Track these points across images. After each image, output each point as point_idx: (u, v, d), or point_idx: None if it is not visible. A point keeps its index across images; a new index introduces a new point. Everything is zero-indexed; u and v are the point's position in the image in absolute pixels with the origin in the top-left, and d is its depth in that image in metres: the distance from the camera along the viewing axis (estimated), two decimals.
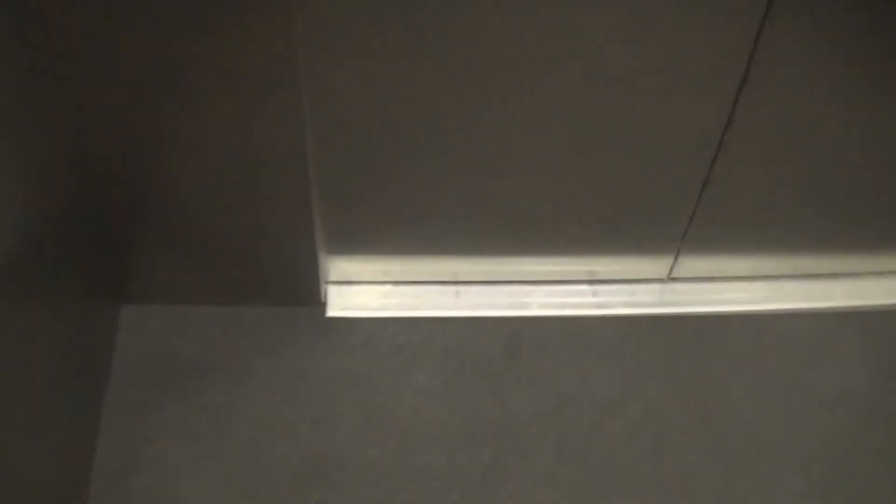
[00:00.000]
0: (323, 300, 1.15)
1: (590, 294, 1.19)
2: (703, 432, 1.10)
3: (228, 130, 0.93)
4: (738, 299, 1.21)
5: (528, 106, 0.97)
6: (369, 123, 0.97)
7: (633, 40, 0.91)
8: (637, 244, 1.17)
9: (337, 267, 1.16)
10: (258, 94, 0.89)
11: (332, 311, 1.14)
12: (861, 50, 0.95)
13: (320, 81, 0.92)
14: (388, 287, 1.18)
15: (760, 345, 1.17)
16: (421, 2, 0.86)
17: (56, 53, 0.85)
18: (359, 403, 1.08)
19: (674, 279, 1.21)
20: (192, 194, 1.01)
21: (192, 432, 1.06)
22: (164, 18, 0.82)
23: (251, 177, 0.99)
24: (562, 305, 1.19)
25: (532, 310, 1.18)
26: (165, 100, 0.90)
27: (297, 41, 0.84)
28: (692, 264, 1.20)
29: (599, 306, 1.19)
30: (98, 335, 1.11)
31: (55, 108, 0.90)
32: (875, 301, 1.22)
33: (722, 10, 0.89)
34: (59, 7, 0.80)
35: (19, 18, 0.81)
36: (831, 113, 1.01)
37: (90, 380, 1.07)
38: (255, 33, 0.83)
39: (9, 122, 0.84)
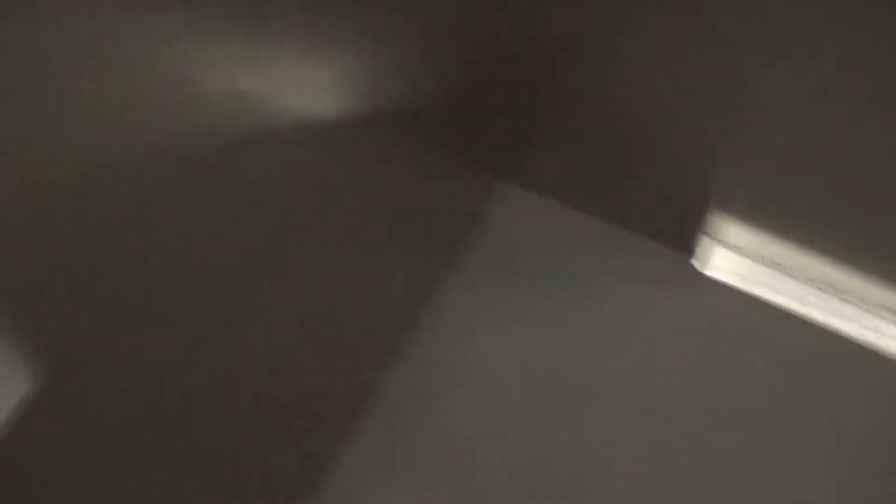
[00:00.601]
0: (699, 254, 1.11)
1: None
2: None
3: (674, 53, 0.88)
4: None
5: None
6: None
7: None
8: None
9: (727, 228, 1.10)
10: None
11: (705, 268, 1.10)
12: None
13: None
14: (761, 264, 1.12)
15: None
16: None
17: None
18: (687, 363, 1.04)
19: None
20: (629, 94, 0.98)
21: (513, 323, 1.05)
22: None
23: (682, 94, 0.94)
24: None
25: None
26: None
27: None
28: None
29: None
30: (465, 199, 1.12)
31: None
32: None
33: None
34: None
35: None
36: None
37: (443, 236, 1.10)
38: None
39: None
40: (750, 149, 0.98)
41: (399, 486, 0.97)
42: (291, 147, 0.66)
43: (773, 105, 0.92)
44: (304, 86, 0.65)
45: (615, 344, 1.05)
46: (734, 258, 1.11)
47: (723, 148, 0.96)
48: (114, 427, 0.60)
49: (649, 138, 1.01)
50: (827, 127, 0.91)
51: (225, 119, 0.57)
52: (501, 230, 1.11)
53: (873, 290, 1.10)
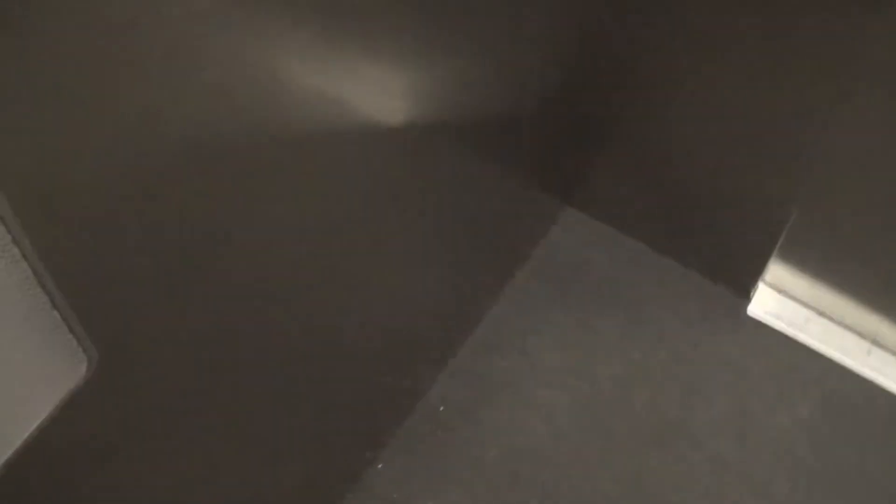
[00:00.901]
0: (751, 294, 1.11)
1: None
2: None
3: (759, 91, 0.89)
4: None
5: None
6: None
7: None
8: None
9: (775, 270, 1.11)
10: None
11: (753, 310, 1.10)
12: None
13: None
14: (812, 313, 1.12)
15: None
16: None
17: None
18: (726, 400, 1.05)
19: None
20: (684, 131, 0.99)
21: (565, 344, 1.06)
22: None
23: (752, 142, 0.95)
24: None
25: None
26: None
27: None
28: None
29: None
30: (531, 221, 1.13)
31: None
32: None
33: None
34: None
35: None
36: None
37: (506, 257, 1.11)
38: None
39: None
40: (822, 200, 0.98)
41: (430, 496, 0.98)
42: (365, 150, 0.67)
43: (853, 159, 0.92)
44: (383, 92, 0.66)
45: (664, 378, 1.06)
46: (787, 304, 1.11)
47: (793, 197, 0.97)
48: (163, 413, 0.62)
49: (718, 180, 1.01)
50: None
51: (301, 118, 0.58)
52: (563, 253, 1.12)
53: None
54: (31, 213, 0.40)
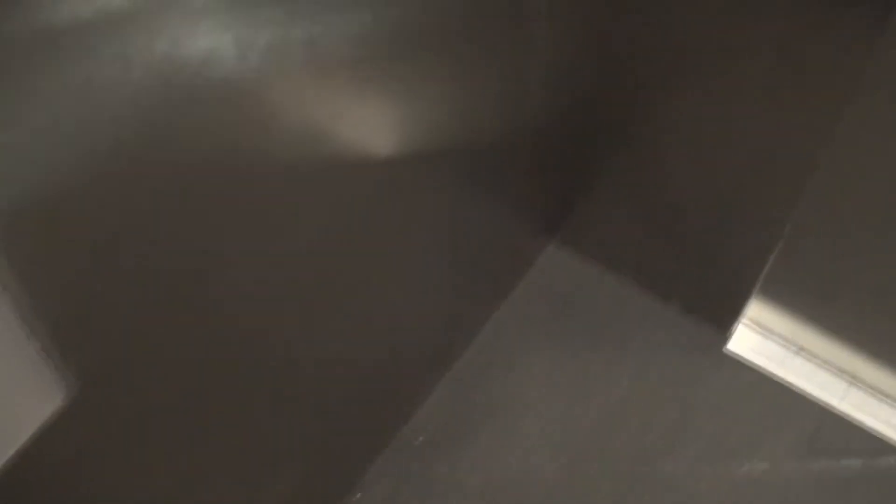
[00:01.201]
0: (731, 331, 1.12)
1: None
2: None
3: (751, 121, 0.90)
4: None
5: None
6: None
7: None
8: None
9: (756, 307, 1.12)
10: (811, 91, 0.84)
11: (733, 346, 1.11)
12: None
13: None
14: (790, 351, 1.13)
15: None
16: None
17: None
18: (705, 437, 1.06)
19: None
20: (676, 169, 1.00)
21: (547, 379, 1.06)
22: None
23: (741, 182, 0.96)
24: None
25: None
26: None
27: None
28: None
29: None
30: (515, 255, 1.13)
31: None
32: None
33: None
34: None
35: None
36: None
37: (490, 291, 1.11)
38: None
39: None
40: (803, 239, 0.99)
41: None
42: (348, 182, 0.67)
43: (836, 199, 0.93)
44: (370, 122, 0.66)
45: (645, 415, 1.06)
46: (768, 341, 1.12)
47: (775, 236, 0.98)
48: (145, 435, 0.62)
49: (701, 218, 1.02)
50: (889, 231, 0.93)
51: (291, 150, 0.59)
52: (546, 288, 1.12)
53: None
54: (9, 238, 0.40)
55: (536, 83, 0.90)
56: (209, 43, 0.47)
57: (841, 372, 1.12)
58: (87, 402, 0.51)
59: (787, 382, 1.11)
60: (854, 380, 1.12)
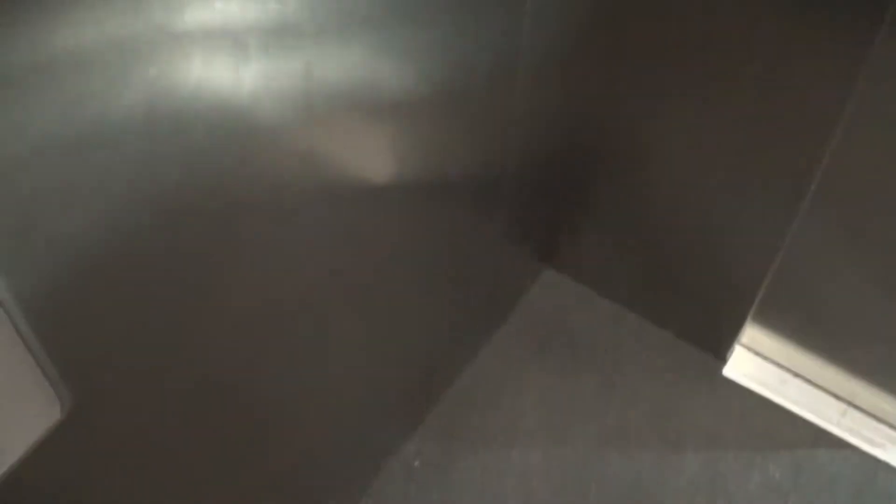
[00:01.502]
0: (727, 356, 1.13)
1: None
2: None
3: (741, 147, 0.92)
4: None
5: None
6: None
7: None
8: None
9: (751, 332, 1.12)
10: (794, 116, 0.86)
11: (729, 371, 1.12)
12: None
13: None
14: (787, 374, 1.14)
15: None
16: None
17: None
18: (700, 462, 1.06)
19: None
20: (667, 197, 1.01)
21: (541, 404, 1.07)
22: None
23: (730, 208, 0.97)
24: None
25: None
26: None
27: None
28: None
29: None
30: (511, 281, 1.15)
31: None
32: None
33: None
34: None
35: None
36: None
37: (485, 318, 1.12)
38: None
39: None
40: (798, 263, 0.99)
41: None
42: (345, 211, 0.68)
43: (829, 223, 0.94)
44: (363, 153, 0.67)
45: (638, 440, 1.06)
46: (763, 366, 1.12)
47: (769, 260, 0.98)
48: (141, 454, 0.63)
49: (695, 244, 1.03)
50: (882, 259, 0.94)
51: (282, 180, 0.59)
52: (541, 313, 1.13)
53: (891, 409, 1.12)
54: (8, 259, 0.41)
55: (529, 120, 0.91)
56: (202, 70, 0.48)
57: (837, 396, 1.13)
58: (81, 419, 0.52)
59: (784, 406, 1.11)
60: (850, 404, 1.13)
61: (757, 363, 1.13)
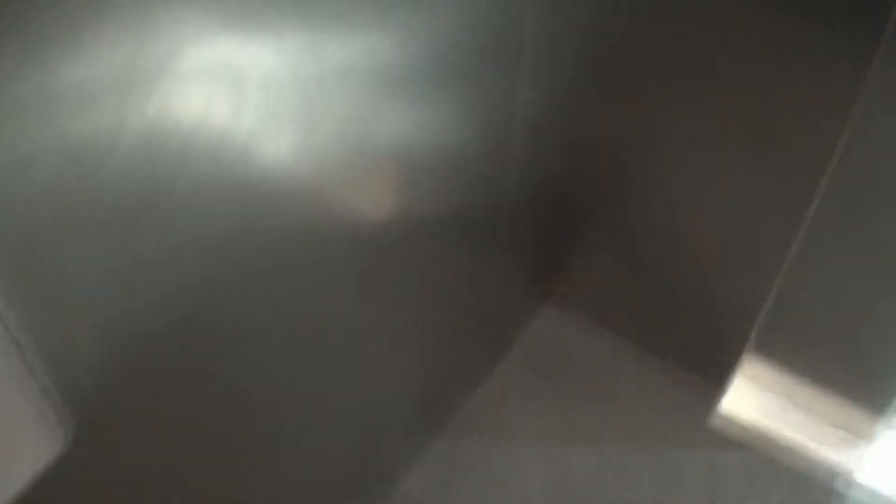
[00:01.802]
0: (726, 386, 1.13)
1: None
2: None
3: (737, 178, 0.92)
4: None
5: None
6: None
7: None
8: None
9: (750, 361, 1.13)
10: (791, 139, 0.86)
11: (728, 401, 1.12)
12: None
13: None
14: (785, 404, 1.14)
15: None
16: None
17: None
18: (698, 493, 1.06)
19: None
20: (663, 228, 1.02)
21: (542, 434, 1.08)
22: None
23: (728, 240, 0.98)
24: None
25: None
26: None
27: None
28: None
29: None
30: (511, 314, 1.15)
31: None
32: None
33: None
34: None
35: None
36: None
37: (486, 351, 1.13)
38: None
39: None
40: (796, 293, 1.00)
41: None
42: (343, 245, 0.69)
43: (827, 253, 0.94)
44: (361, 188, 0.68)
45: (638, 469, 1.06)
46: (762, 395, 1.13)
47: (767, 290, 0.99)
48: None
49: (695, 275, 1.03)
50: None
51: (281, 214, 0.60)
52: (543, 345, 1.14)
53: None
54: (13, 284, 0.42)
55: (529, 152, 0.92)
56: (201, 104, 0.49)
57: (836, 425, 1.13)
58: (86, 448, 0.52)
59: (782, 435, 1.11)
60: (849, 433, 1.12)
61: (756, 392, 1.13)
